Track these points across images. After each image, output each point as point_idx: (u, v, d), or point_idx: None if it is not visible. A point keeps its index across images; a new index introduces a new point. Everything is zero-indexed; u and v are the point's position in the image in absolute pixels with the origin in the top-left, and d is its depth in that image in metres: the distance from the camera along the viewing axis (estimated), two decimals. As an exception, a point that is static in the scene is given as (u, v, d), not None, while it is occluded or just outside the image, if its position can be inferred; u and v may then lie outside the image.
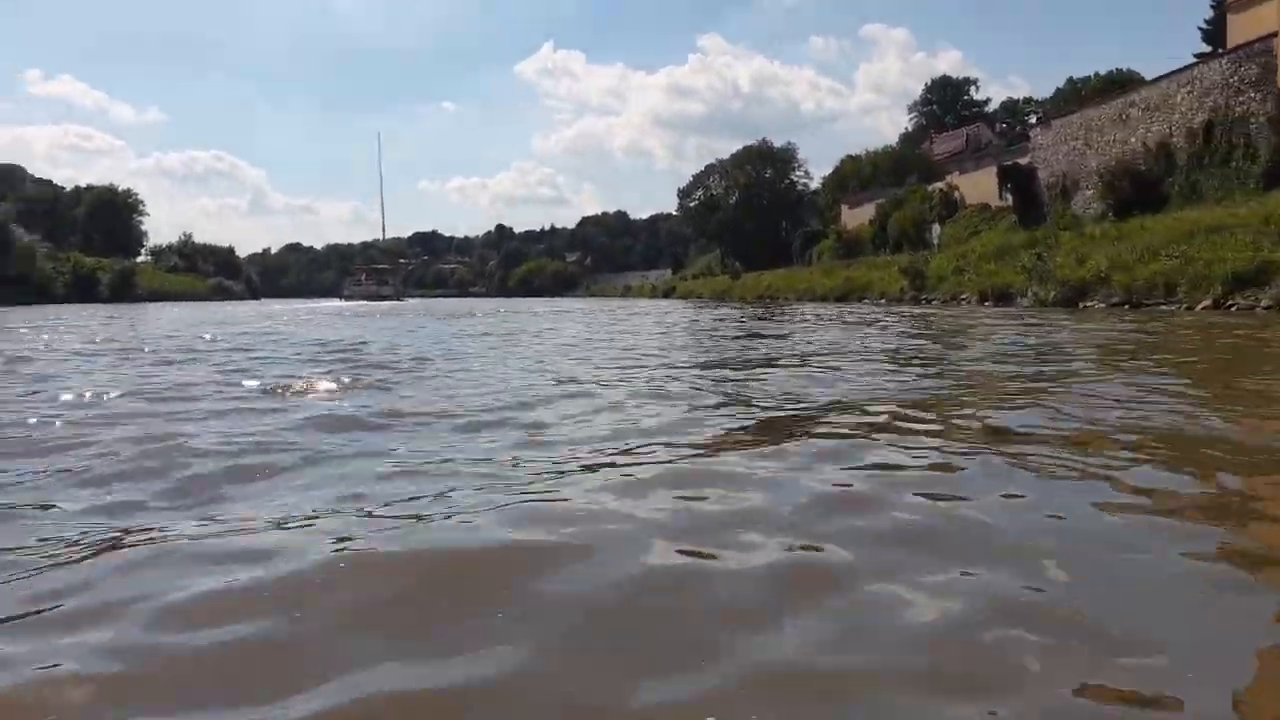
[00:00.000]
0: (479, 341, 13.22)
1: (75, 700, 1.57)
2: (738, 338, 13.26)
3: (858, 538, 2.41)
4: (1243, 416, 4.53)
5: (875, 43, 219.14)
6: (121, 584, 2.08)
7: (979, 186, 47.02)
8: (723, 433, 4.28)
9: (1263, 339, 10.72)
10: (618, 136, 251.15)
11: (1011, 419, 4.41)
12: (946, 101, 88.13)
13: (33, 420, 4.86)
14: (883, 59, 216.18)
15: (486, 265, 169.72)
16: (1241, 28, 32.67)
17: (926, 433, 4.13)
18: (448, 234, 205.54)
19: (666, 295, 78.28)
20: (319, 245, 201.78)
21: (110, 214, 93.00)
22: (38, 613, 1.95)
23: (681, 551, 2.28)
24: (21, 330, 18.13)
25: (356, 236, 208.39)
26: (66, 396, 5.97)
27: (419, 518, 2.65)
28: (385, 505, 2.85)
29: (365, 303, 62.69)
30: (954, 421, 4.46)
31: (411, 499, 2.93)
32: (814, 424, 4.44)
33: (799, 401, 5.38)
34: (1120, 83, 52.02)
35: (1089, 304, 20.95)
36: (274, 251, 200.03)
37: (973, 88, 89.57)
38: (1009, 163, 44.21)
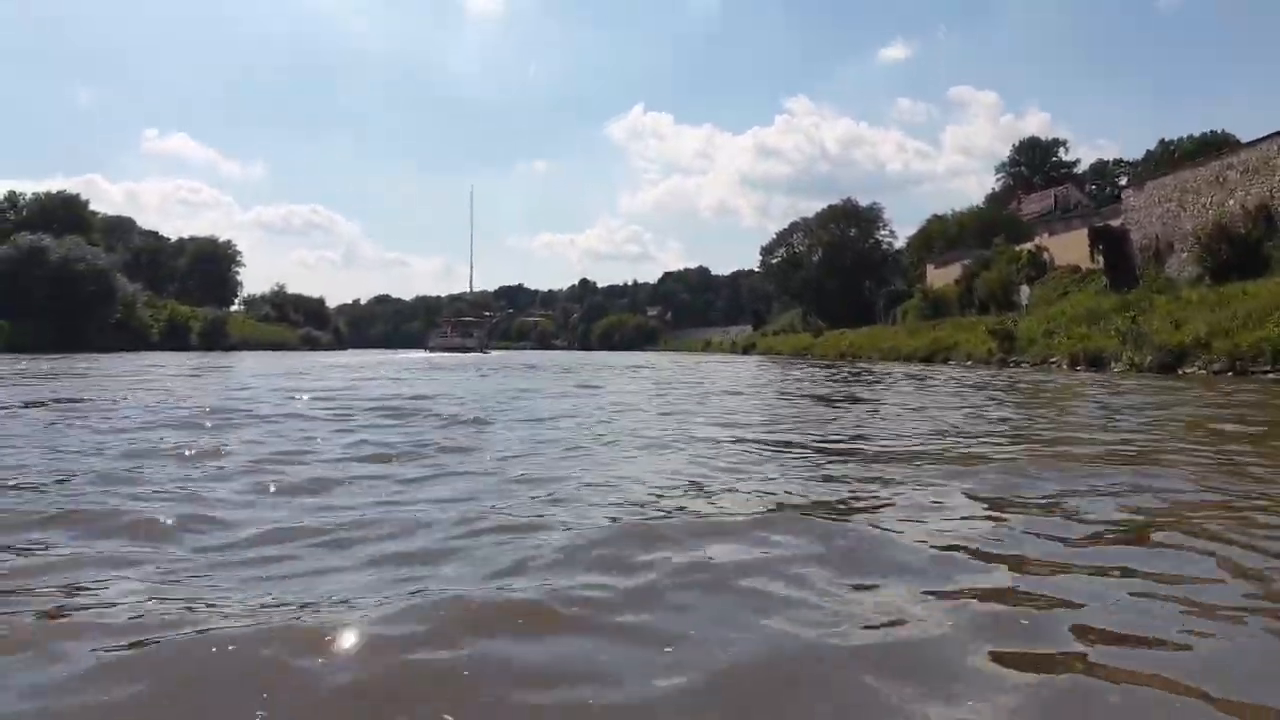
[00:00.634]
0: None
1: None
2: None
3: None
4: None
5: (963, 105, 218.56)
6: None
7: (1068, 248, 46.51)
8: None
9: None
10: (704, 195, 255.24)
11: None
12: (1035, 163, 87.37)
13: None
14: (971, 121, 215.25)
15: (569, 318, 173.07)
16: (1345, 91, 32.10)
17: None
18: (533, 288, 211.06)
19: (746, 351, 78.56)
20: (407, 297, 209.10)
21: (209, 264, 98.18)
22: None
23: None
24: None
25: (444, 289, 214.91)
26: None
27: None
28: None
29: (447, 354, 64.33)
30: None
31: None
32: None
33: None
34: (1214, 145, 51.19)
35: (1188, 370, 20.70)
36: (363, 302, 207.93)
37: (1061, 149, 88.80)
38: (1100, 224, 43.72)
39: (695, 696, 2.04)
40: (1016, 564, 3.18)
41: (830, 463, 5.90)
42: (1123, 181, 64.71)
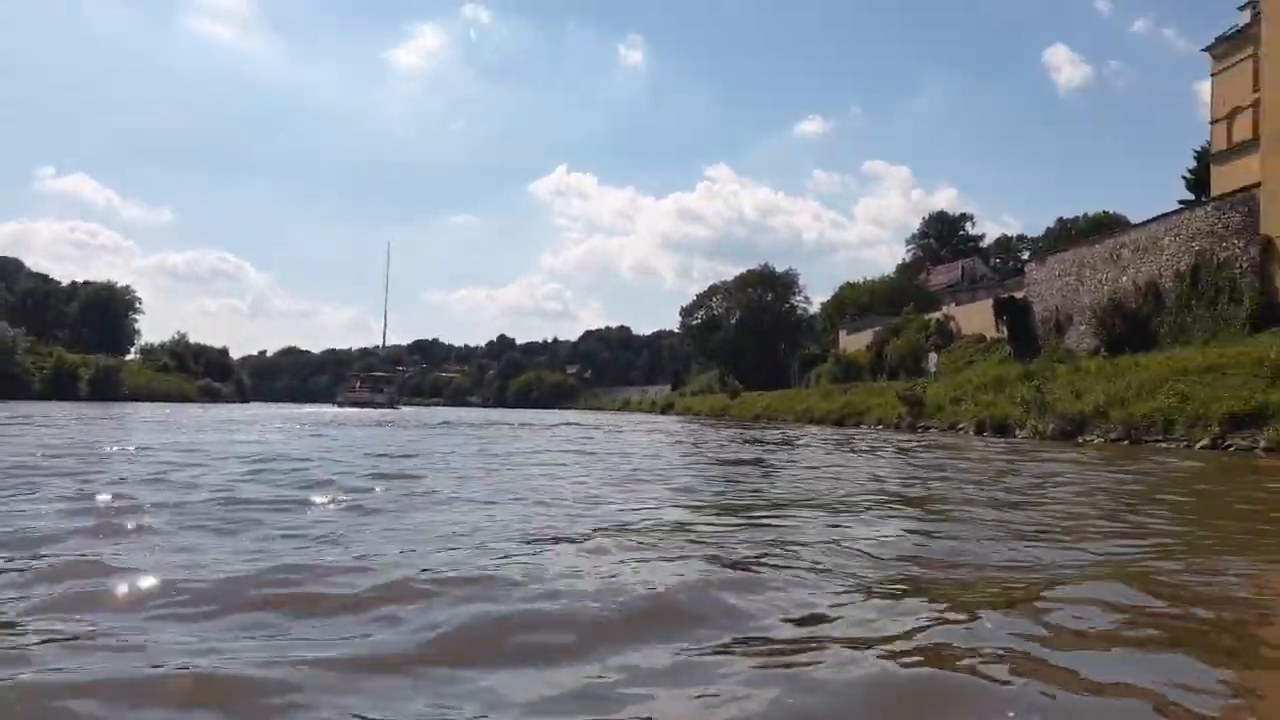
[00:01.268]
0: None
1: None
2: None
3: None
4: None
5: (876, 178, 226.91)
6: None
7: (974, 318, 48.20)
8: None
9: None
10: (626, 255, 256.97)
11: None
12: (943, 235, 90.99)
13: None
14: (884, 194, 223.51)
15: (485, 375, 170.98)
16: (1225, 178, 34.36)
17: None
18: (448, 343, 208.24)
19: (664, 411, 78.73)
20: (316, 349, 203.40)
21: (103, 311, 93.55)
22: None
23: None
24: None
25: (355, 342, 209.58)
26: None
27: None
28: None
29: (355, 409, 62.94)
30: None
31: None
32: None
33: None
34: (1107, 224, 54.12)
35: (1087, 438, 21.31)
36: (269, 354, 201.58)
37: (968, 223, 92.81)
38: (1004, 295, 45.47)
39: None
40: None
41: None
42: (1025, 256, 67.94)
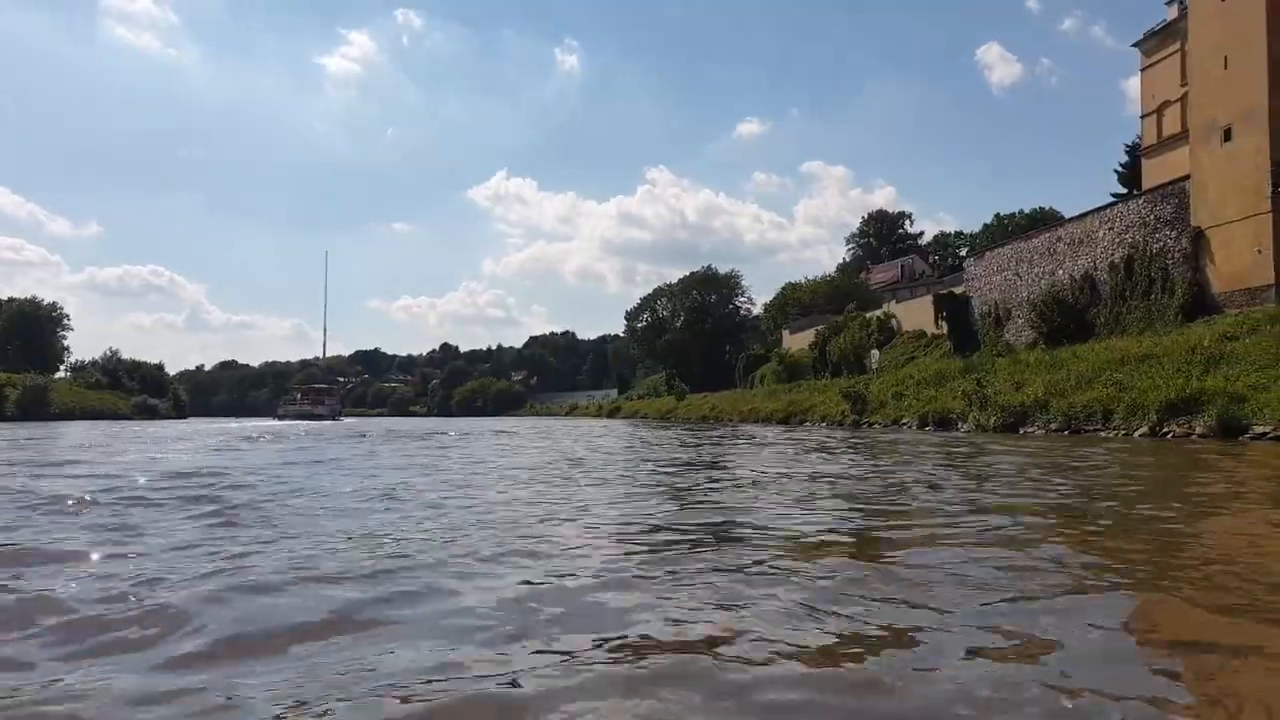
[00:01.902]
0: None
1: None
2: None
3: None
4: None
5: (815, 178, 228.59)
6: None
7: (914, 314, 48.44)
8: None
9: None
10: (569, 261, 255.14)
11: None
12: (882, 234, 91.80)
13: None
14: (822, 194, 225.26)
15: (429, 384, 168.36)
16: (1156, 171, 34.87)
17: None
18: (391, 352, 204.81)
19: (611, 415, 78.03)
20: (255, 363, 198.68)
21: (29, 328, 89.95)
22: None
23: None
24: None
25: (296, 354, 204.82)
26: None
27: None
28: None
29: (298, 422, 61.83)
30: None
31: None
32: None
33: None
34: (1044, 220, 54.88)
35: (1029, 429, 21.17)
36: (207, 368, 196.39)
37: (907, 221, 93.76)
38: (944, 291, 45.73)
39: None
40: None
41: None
42: (964, 252, 68.71)
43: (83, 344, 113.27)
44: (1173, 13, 34.94)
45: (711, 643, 2.99)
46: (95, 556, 4.69)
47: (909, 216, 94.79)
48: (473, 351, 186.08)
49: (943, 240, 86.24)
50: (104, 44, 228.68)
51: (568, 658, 2.86)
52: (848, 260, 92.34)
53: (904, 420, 28.15)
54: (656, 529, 5.77)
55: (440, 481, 9.63)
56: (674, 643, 3.01)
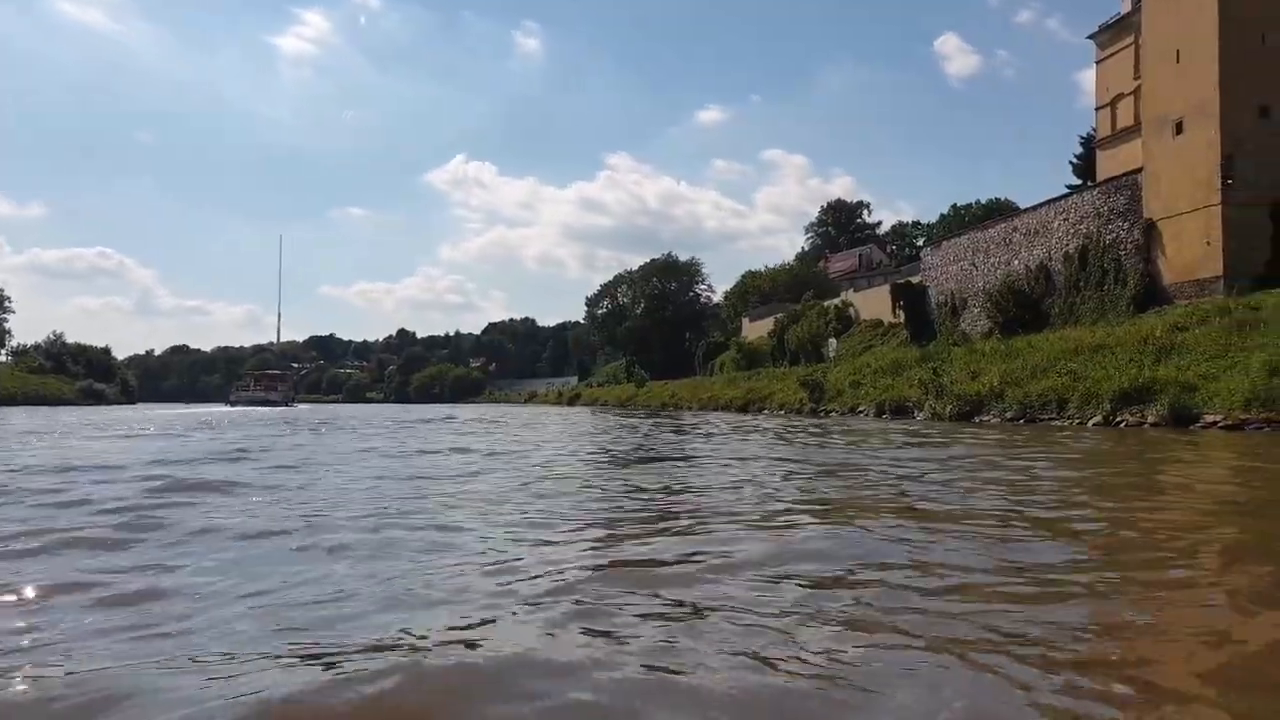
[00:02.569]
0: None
1: None
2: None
3: None
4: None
5: (775, 166, 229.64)
6: None
7: (872, 303, 48.72)
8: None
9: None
10: (529, 246, 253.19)
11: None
12: (841, 223, 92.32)
13: None
14: (781, 182, 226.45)
15: (386, 370, 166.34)
16: (1110, 162, 35.31)
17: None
18: (347, 338, 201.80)
19: (571, 402, 77.69)
20: (207, 348, 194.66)
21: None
22: None
23: None
24: None
25: (249, 340, 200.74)
26: None
27: None
28: None
29: (249, 408, 60.88)
30: None
31: None
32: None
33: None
34: (1000, 211, 55.43)
35: (984, 418, 21.29)
36: (157, 353, 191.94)
37: (865, 211, 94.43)
38: (901, 281, 46.04)
39: None
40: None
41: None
42: (920, 242, 69.23)
43: (25, 327, 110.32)
44: (1126, 6, 35.33)
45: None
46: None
47: (867, 206, 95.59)
48: (430, 338, 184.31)
49: (900, 230, 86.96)
50: (48, 19, 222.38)
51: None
52: (807, 249, 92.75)
53: (861, 408, 28.24)
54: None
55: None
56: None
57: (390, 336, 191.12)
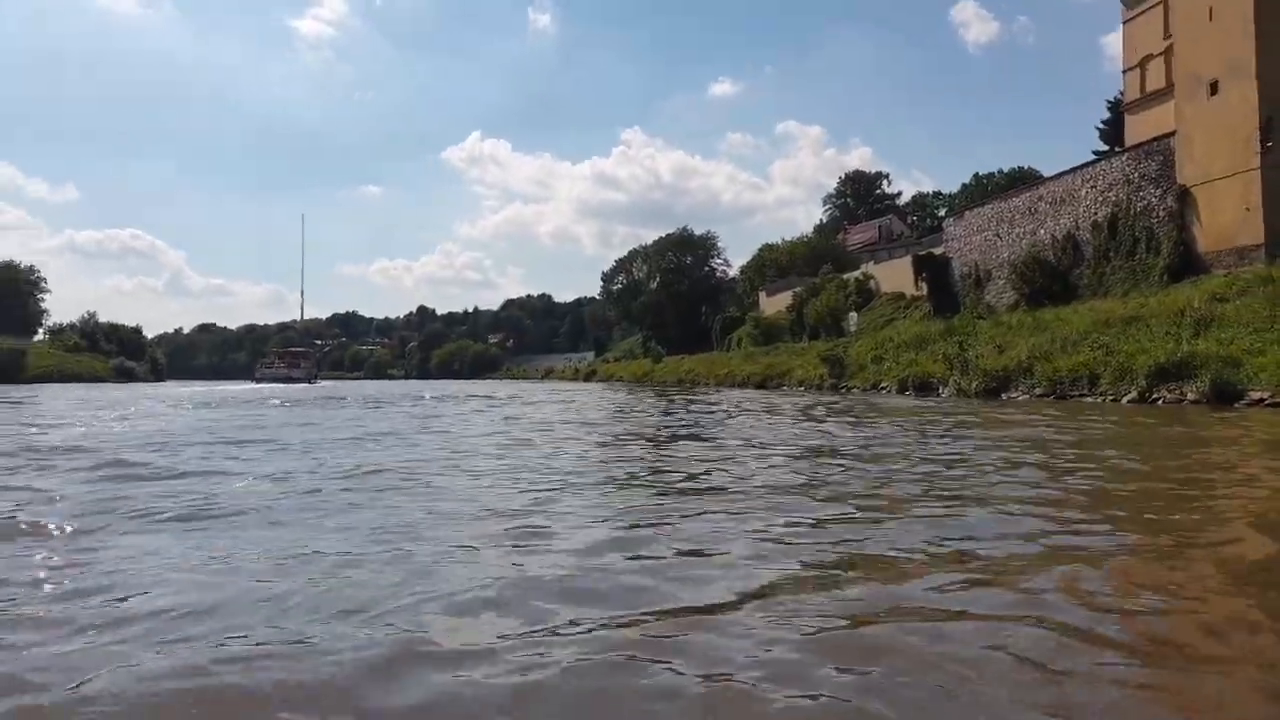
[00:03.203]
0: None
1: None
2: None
3: None
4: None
5: (790, 138, 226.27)
6: None
7: (893, 276, 47.72)
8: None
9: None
10: (545, 223, 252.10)
11: None
12: (859, 194, 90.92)
13: None
14: (797, 155, 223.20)
15: (407, 347, 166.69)
16: (1139, 127, 34.07)
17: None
18: (368, 315, 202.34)
19: (588, 378, 77.33)
20: (233, 326, 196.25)
21: (4, 291, 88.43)
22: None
23: None
24: None
25: (273, 318, 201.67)
26: None
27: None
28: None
29: (274, 385, 61.51)
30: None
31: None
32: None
33: None
34: (1023, 179, 54.08)
35: (1012, 394, 20.57)
36: (185, 332, 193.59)
37: (884, 181, 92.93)
38: (923, 252, 45.01)
39: None
40: None
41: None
42: (942, 213, 67.84)
43: (63, 307, 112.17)
44: (1158, -37, 33.95)
45: None
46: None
47: (886, 177, 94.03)
48: (450, 314, 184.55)
49: (921, 201, 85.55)
50: (77, 5, 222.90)
51: None
52: (824, 221, 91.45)
53: (883, 385, 27.52)
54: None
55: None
56: None
57: (410, 313, 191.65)
